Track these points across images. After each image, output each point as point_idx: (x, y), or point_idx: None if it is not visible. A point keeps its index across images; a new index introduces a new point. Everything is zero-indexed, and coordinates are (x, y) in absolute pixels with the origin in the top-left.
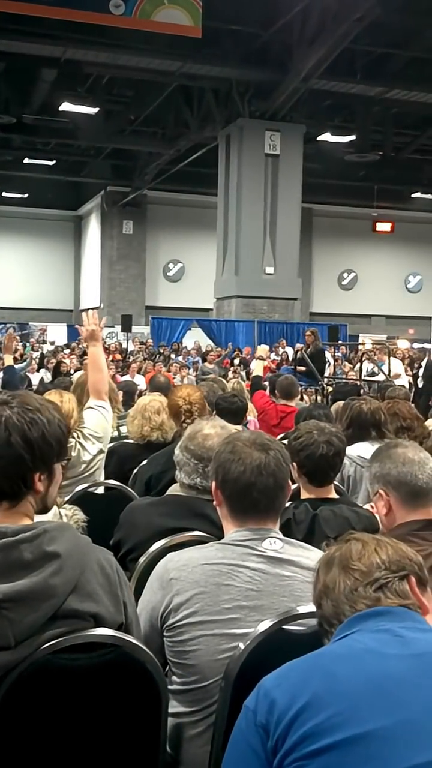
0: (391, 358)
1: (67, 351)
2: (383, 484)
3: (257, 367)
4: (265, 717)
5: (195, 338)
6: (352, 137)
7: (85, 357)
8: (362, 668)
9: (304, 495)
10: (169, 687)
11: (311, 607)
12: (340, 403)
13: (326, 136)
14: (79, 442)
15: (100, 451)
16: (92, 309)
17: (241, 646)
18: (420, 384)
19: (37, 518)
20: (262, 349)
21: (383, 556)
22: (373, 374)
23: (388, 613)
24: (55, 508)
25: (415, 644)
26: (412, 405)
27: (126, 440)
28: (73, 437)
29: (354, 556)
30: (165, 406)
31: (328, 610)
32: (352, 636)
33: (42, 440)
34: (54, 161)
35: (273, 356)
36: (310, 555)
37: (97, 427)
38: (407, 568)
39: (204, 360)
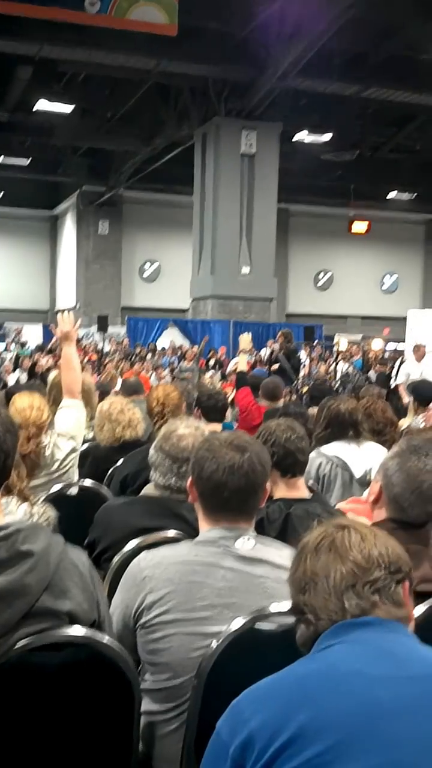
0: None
1: (39, 352)
2: (384, 483)
3: (241, 361)
4: (240, 752)
5: (171, 338)
6: (329, 136)
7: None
8: (349, 696)
9: (276, 494)
10: (142, 685)
11: (283, 606)
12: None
13: (303, 135)
14: (53, 441)
15: (73, 450)
16: (67, 310)
17: (214, 644)
18: (394, 384)
19: (9, 517)
20: (245, 341)
21: (383, 552)
22: (347, 374)
23: (378, 624)
24: (26, 506)
25: (406, 664)
26: (388, 407)
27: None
28: (47, 436)
29: (352, 546)
30: (126, 404)
31: (315, 600)
32: (335, 649)
33: (10, 437)
34: (29, 160)
35: (248, 357)
36: (283, 553)
37: (69, 426)
38: (403, 570)
39: (182, 359)
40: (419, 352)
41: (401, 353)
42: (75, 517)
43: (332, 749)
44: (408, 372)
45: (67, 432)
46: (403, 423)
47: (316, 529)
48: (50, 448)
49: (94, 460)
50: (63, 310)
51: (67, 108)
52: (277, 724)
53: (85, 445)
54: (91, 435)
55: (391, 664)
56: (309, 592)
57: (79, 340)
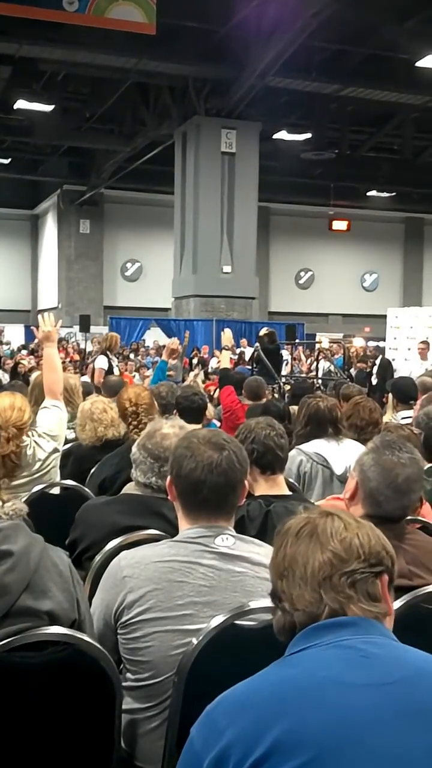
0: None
1: (24, 352)
2: (360, 479)
3: (224, 359)
4: (214, 766)
5: (154, 338)
6: (309, 135)
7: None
8: (326, 707)
9: (257, 491)
10: (124, 684)
11: (263, 602)
12: None
13: (282, 134)
14: (34, 441)
15: (55, 450)
16: (49, 310)
17: (194, 641)
18: (374, 381)
19: None
20: (227, 338)
21: (364, 542)
22: (329, 372)
23: (353, 624)
24: None
25: (382, 669)
26: (377, 408)
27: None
28: (28, 436)
29: (333, 534)
30: (108, 404)
31: (292, 588)
32: (310, 654)
33: None
34: (9, 159)
35: (231, 355)
36: (261, 551)
37: (51, 426)
38: (384, 563)
39: None
40: (425, 349)
41: (382, 350)
42: (57, 517)
43: (308, 765)
44: (410, 369)
45: (49, 432)
46: (386, 418)
47: (301, 515)
48: (31, 448)
49: (76, 460)
50: (44, 311)
51: (47, 107)
52: (252, 738)
53: (68, 445)
54: (72, 435)
55: (366, 670)
56: (287, 579)
57: (61, 341)
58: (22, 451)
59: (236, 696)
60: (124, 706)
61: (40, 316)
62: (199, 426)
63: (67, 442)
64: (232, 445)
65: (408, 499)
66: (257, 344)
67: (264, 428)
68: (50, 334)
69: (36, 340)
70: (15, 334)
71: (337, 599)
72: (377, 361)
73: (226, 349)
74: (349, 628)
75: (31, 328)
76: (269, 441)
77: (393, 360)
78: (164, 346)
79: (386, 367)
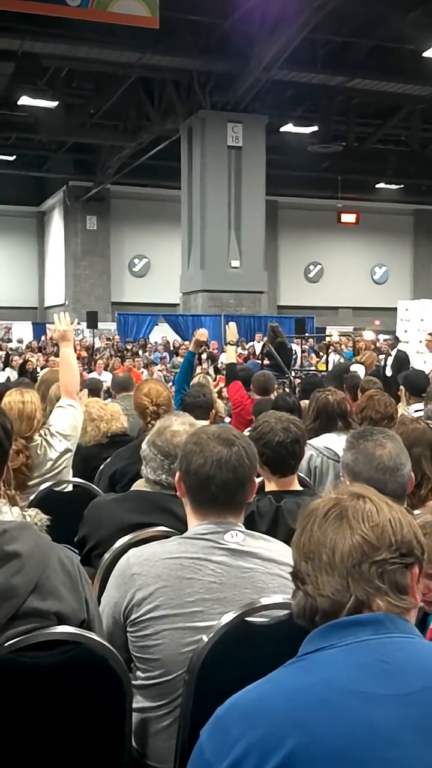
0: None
1: (28, 350)
2: (351, 478)
3: (229, 354)
4: None
5: (162, 334)
6: (315, 128)
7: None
8: (342, 719)
9: (267, 487)
10: (134, 682)
11: (274, 599)
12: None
13: (289, 127)
14: (45, 440)
15: (67, 450)
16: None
17: (205, 638)
18: (389, 374)
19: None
20: (231, 332)
21: (396, 529)
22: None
23: (374, 622)
24: (17, 510)
25: (402, 677)
26: (393, 403)
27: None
28: (40, 435)
29: (364, 519)
30: (101, 402)
31: (317, 572)
32: (328, 656)
33: (5, 435)
34: (14, 156)
35: (239, 350)
36: (272, 547)
37: (65, 426)
38: (415, 554)
39: (176, 354)
40: None
41: (396, 341)
42: (65, 515)
43: None
44: (425, 360)
45: (62, 431)
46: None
47: (330, 494)
48: (42, 448)
49: (82, 460)
50: (51, 308)
51: (51, 103)
52: (266, 749)
53: None
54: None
55: (386, 678)
56: (312, 562)
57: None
58: (30, 461)
59: (248, 703)
60: (134, 705)
61: (55, 315)
62: (206, 422)
63: None
64: (241, 441)
65: (401, 474)
66: (266, 339)
67: (278, 433)
68: (66, 333)
69: (43, 338)
70: (23, 332)
71: (365, 590)
72: (392, 353)
73: (231, 344)
74: (369, 627)
75: (46, 326)
76: (281, 449)
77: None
78: (173, 343)
79: (402, 360)
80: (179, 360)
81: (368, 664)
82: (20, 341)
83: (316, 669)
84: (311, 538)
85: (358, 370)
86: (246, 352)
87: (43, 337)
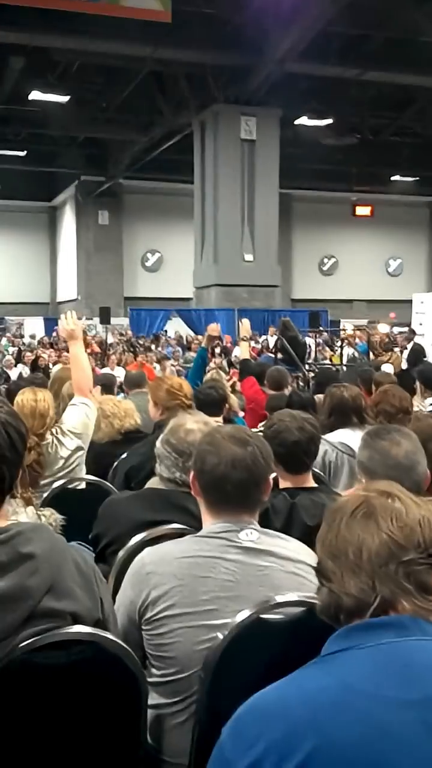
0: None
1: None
2: (368, 477)
3: (243, 350)
4: None
5: (175, 328)
6: (329, 121)
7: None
8: (360, 723)
9: (282, 484)
10: (149, 679)
11: (289, 596)
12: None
13: (303, 120)
14: (57, 438)
15: (79, 448)
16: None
17: (220, 636)
18: (404, 367)
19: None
20: (245, 329)
21: (425, 530)
22: (354, 359)
23: (398, 625)
24: (32, 510)
25: (423, 681)
26: (408, 397)
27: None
28: (51, 433)
29: (393, 518)
30: (113, 398)
31: (344, 570)
32: (349, 658)
33: (20, 439)
34: (25, 152)
35: (252, 344)
36: (287, 545)
37: (76, 424)
38: None
39: (188, 349)
40: None
41: (412, 334)
42: (79, 513)
43: None
44: None
45: (73, 429)
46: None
47: (358, 492)
48: (53, 446)
49: (95, 457)
50: (63, 303)
51: (62, 98)
52: (284, 750)
53: None
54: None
55: (407, 682)
56: (338, 560)
57: (84, 334)
58: (42, 457)
59: (268, 703)
60: (150, 702)
61: (63, 315)
62: (219, 419)
63: None
64: (256, 441)
65: (416, 472)
66: (279, 332)
67: (293, 432)
68: (73, 332)
69: (54, 333)
70: (35, 327)
71: (392, 590)
72: (408, 346)
73: (245, 340)
74: (393, 629)
75: (55, 328)
76: (296, 448)
77: None
78: (182, 337)
79: (418, 353)
80: (192, 355)
81: (389, 668)
82: (33, 337)
83: (337, 671)
84: (338, 536)
85: (388, 369)
86: (259, 346)
87: (54, 333)
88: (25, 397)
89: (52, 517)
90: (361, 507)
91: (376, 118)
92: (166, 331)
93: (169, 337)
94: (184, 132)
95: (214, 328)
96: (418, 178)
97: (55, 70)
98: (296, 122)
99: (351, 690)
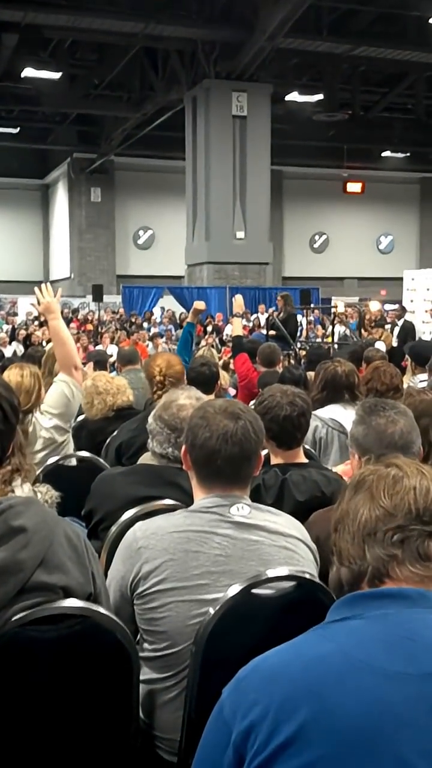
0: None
1: (37, 323)
2: (360, 453)
3: (236, 326)
4: (242, 739)
5: (167, 306)
6: (320, 96)
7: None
8: (356, 695)
9: (273, 460)
10: (141, 654)
11: (280, 571)
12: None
13: (294, 96)
14: (35, 417)
15: (57, 427)
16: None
17: (211, 610)
18: (395, 344)
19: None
20: (238, 304)
21: (419, 497)
22: (345, 336)
23: (403, 597)
24: (28, 486)
25: (426, 654)
26: (398, 374)
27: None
28: (31, 412)
29: (386, 487)
30: (107, 375)
31: (341, 542)
32: (351, 625)
33: (13, 412)
34: (18, 129)
35: (244, 322)
36: (278, 520)
37: (51, 403)
38: None
39: (180, 326)
40: None
41: (403, 311)
42: (72, 489)
43: (326, 758)
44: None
45: (49, 409)
46: (406, 381)
47: (368, 466)
48: (31, 425)
49: (89, 433)
50: (56, 281)
51: (54, 75)
52: (280, 716)
53: (80, 417)
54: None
55: (408, 655)
56: (339, 533)
57: (75, 311)
58: (26, 434)
59: (268, 667)
60: (142, 677)
61: (36, 288)
62: (211, 396)
63: (79, 414)
64: (248, 415)
65: (410, 452)
66: (271, 310)
67: (284, 407)
68: (49, 305)
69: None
70: (27, 305)
71: (380, 557)
72: (399, 323)
73: (238, 316)
74: (397, 601)
75: (31, 303)
76: (288, 423)
77: None
78: (174, 314)
79: (408, 330)
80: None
81: (391, 640)
82: (29, 314)
83: (338, 639)
84: (340, 509)
85: (380, 347)
86: (251, 324)
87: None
88: (11, 372)
89: (48, 494)
90: (366, 479)
91: (367, 93)
92: (152, 312)
93: (156, 319)
94: (175, 108)
95: (200, 303)
96: (409, 154)
97: (48, 47)
98: (287, 98)
99: (350, 660)
